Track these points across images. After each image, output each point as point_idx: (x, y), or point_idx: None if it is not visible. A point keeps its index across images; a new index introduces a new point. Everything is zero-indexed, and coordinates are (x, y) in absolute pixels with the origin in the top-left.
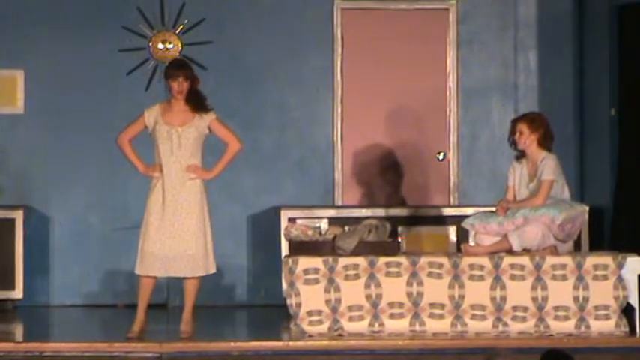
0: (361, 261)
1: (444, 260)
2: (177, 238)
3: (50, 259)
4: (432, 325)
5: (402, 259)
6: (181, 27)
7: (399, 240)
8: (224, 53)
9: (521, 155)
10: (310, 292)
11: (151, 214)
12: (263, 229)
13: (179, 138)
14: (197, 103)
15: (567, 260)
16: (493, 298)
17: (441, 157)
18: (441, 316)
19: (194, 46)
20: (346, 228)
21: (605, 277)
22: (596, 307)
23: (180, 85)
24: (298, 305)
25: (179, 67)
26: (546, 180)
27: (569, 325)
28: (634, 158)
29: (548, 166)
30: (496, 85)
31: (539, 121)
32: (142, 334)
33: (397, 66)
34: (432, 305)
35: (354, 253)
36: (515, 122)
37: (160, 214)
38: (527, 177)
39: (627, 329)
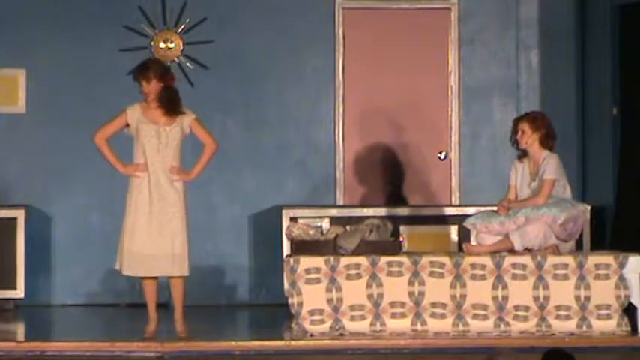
0: (363, 260)
1: (446, 260)
2: (165, 237)
3: (51, 258)
4: (434, 325)
5: (404, 259)
6: (183, 26)
7: (401, 239)
8: (225, 52)
9: (522, 154)
10: (312, 292)
11: (137, 213)
12: (264, 228)
13: (167, 137)
14: (169, 107)
15: (569, 260)
16: (495, 298)
17: (442, 156)
18: (443, 316)
19: (195, 45)
20: (348, 227)
21: (606, 277)
22: (597, 307)
23: (145, 87)
24: (300, 305)
25: (139, 70)
26: (548, 179)
27: (570, 325)
28: (636, 157)
29: (550, 165)
30: (498, 85)
31: (541, 120)
32: (156, 332)
33: (399, 65)
34: (434, 305)
35: (356, 252)
36: (516, 121)
37: (147, 213)
38: (528, 176)
39: (629, 329)
